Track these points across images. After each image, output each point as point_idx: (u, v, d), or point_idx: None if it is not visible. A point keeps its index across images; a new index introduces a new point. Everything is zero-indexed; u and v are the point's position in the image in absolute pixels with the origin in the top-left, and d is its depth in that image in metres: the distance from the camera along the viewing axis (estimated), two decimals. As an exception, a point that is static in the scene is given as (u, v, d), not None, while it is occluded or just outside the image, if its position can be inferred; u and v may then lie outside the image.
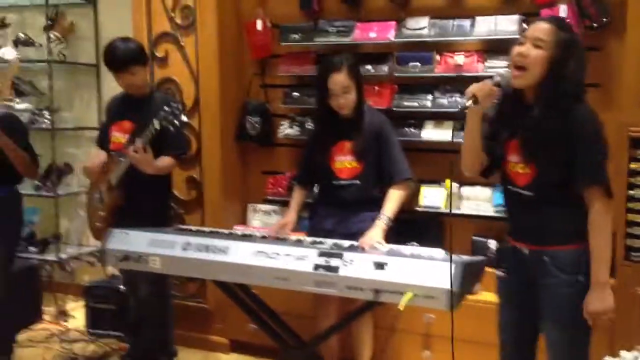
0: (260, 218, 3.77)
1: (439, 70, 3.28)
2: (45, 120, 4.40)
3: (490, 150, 2.26)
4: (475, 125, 2.18)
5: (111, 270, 3.96)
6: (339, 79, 2.86)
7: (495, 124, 2.27)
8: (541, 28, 2.07)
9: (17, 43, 4.57)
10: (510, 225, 2.29)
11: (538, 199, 2.12)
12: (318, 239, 2.72)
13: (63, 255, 4.36)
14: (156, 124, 2.86)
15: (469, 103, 2.08)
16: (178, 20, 3.65)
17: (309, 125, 3.55)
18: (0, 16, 4.74)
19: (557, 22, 2.12)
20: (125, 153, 3.02)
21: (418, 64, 3.30)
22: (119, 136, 3.18)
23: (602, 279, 2.04)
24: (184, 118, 2.88)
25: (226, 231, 2.97)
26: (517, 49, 2.09)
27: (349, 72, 2.88)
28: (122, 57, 3.06)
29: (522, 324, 2.26)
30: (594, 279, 2.05)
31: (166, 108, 2.86)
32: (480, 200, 3.24)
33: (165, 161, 3.08)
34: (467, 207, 3.25)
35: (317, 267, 2.35)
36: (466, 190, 3.27)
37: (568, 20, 2.33)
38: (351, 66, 2.90)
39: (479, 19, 3.21)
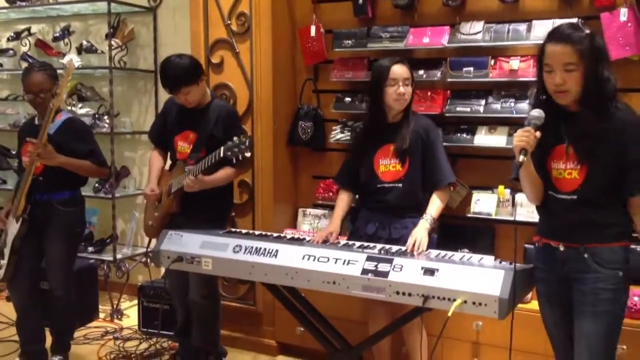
0: (311, 222, 3.78)
1: (493, 76, 3.23)
2: (105, 125, 4.53)
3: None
4: (532, 170, 2.20)
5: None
6: (403, 69, 2.90)
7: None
8: (564, 52, 2.08)
9: (80, 50, 4.73)
10: (544, 225, 2.31)
11: (581, 202, 2.14)
12: (366, 244, 2.71)
13: (119, 256, 4.46)
14: (222, 152, 2.91)
15: (522, 158, 2.09)
16: (234, 27, 3.71)
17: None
18: (65, 24, 4.92)
19: (571, 38, 2.09)
20: (189, 164, 3.09)
21: (472, 69, 3.26)
22: (184, 146, 3.24)
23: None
24: (248, 154, 2.91)
25: (275, 234, 3.00)
26: (552, 81, 2.11)
27: (409, 69, 2.93)
28: (172, 79, 3.08)
29: (566, 320, 2.25)
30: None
31: (235, 139, 2.89)
32: (534, 207, 3.15)
33: (223, 173, 3.14)
34: (520, 215, 3.18)
35: (365, 271, 2.35)
36: (520, 196, 3.20)
37: (578, 22, 2.29)
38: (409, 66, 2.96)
39: (535, 22, 3.15)
